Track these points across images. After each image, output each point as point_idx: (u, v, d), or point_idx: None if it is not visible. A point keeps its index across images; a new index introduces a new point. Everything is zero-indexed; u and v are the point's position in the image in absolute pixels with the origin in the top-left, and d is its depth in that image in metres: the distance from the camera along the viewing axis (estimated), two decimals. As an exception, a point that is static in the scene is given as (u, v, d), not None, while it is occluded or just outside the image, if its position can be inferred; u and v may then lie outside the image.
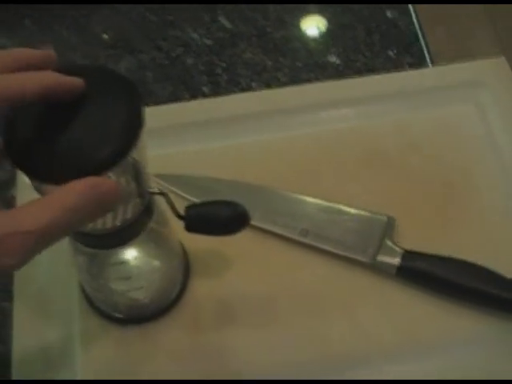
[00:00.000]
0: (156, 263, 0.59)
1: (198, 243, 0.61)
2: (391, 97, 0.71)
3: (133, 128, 0.42)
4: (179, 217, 0.53)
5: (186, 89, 0.74)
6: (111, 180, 0.43)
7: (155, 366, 0.59)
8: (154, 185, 0.51)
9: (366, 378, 0.58)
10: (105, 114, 0.42)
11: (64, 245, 0.61)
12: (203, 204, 0.55)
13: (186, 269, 0.62)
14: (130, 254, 0.55)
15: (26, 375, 0.58)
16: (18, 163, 0.41)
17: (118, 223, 0.50)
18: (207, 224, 0.55)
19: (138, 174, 0.48)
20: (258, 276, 0.62)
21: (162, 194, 0.51)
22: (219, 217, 0.54)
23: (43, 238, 0.38)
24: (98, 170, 0.40)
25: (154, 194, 0.51)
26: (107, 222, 0.50)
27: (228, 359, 0.59)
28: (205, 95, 0.74)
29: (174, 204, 0.53)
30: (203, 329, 0.60)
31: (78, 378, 0.58)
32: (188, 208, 0.54)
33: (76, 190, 0.38)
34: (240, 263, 0.63)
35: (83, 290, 0.61)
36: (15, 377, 0.58)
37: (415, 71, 0.74)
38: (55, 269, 0.63)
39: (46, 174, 0.41)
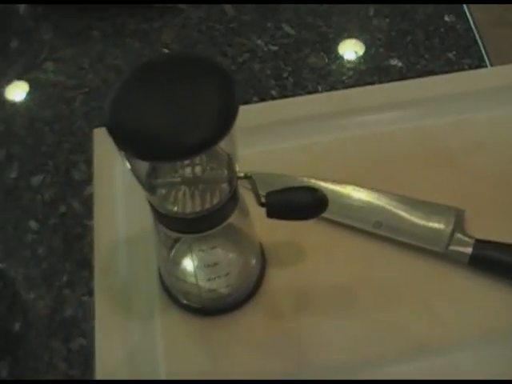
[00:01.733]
0: (238, 252, 0.61)
1: (273, 235, 0.63)
2: (453, 97, 0.73)
3: (226, 115, 0.44)
4: (261, 204, 0.55)
5: (255, 92, 0.76)
6: None
7: (235, 356, 0.60)
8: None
9: (442, 367, 0.58)
10: (200, 101, 0.44)
11: (143, 240, 0.63)
12: (283, 190, 0.57)
13: (262, 260, 0.64)
14: (217, 240, 0.56)
15: (109, 368, 0.60)
16: (119, 143, 0.43)
17: (205, 207, 0.51)
18: (287, 209, 0.56)
19: (229, 160, 0.50)
20: (333, 267, 0.64)
21: (248, 177, 0.53)
22: (299, 202, 0.56)
23: None
24: (189, 153, 0.44)
25: (240, 178, 0.52)
26: (194, 204, 0.52)
27: (306, 349, 0.60)
28: (273, 98, 0.76)
29: (257, 189, 0.54)
30: (281, 319, 0.61)
31: (161, 370, 0.59)
32: (268, 194, 0.56)
33: None
34: (315, 255, 0.64)
35: (163, 283, 0.63)
36: (98, 371, 0.59)
37: (477, 71, 0.76)
38: (134, 263, 0.65)
39: (139, 153, 0.44)
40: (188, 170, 0.52)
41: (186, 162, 0.52)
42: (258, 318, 0.61)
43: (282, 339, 0.61)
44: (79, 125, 0.76)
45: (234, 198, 0.53)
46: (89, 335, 0.62)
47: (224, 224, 0.53)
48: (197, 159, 0.51)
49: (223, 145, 0.48)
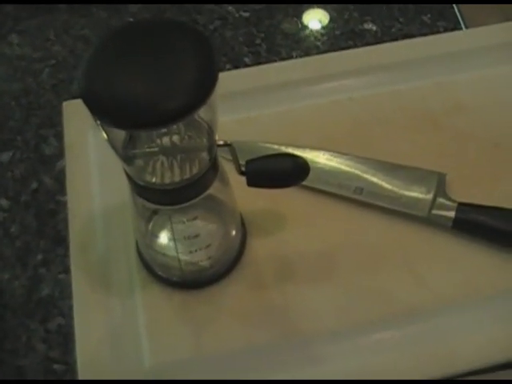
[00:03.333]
0: (218, 223, 0.59)
1: (253, 204, 0.62)
2: (431, 60, 0.72)
3: (205, 82, 0.43)
4: (241, 172, 0.54)
5: (228, 60, 0.75)
6: None
7: (219, 327, 0.59)
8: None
9: (428, 331, 0.58)
10: (177, 67, 0.42)
11: (120, 213, 0.62)
12: (263, 158, 0.55)
13: (243, 230, 0.62)
14: (197, 212, 0.55)
15: (89, 348, 0.58)
16: (95, 112, 0.42)
17: (184, 177, 0.50)
18: (268, 177, 0.55)
19: (208, 128, 0.49)
20: (315, 235, 0.63)
21: (228, 145, 0.51)
22: (280, 169, 0.54)
23: None
24: (168, 121, 0.42)
25: (220, 146, 0.51)
26: (175, 175, 0.50)
27: (291, 317, 0.59)
28: (247, 65, 0.74)
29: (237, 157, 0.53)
30: (264, 289, 0.60)
31: (143, 346, 0.58)
32: (248, 162, 0.54)
33: None
34: (296, 223, 0.63)
35: (142, 257, 0.61)
36: (79, 351, 0.58)
37: (453, 33, 0.75)
38: (112, 238, 0.63)
39: (117, 121, 0.42)
40: (166, 140, 0.50)
41: (164, 130, 0.50)
42: (241, 289, 0.60)
43: (266, 309, 0.60)
44: (47, 98, 0.74)
45: (213, 168, 0.51)
46: (67, 314, 0.60)
47: (204, 194, 0.52)
48: (175, 128, 0.50)
49: (202, 113, 0.47)
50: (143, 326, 0.59)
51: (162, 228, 0.57)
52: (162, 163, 0.51)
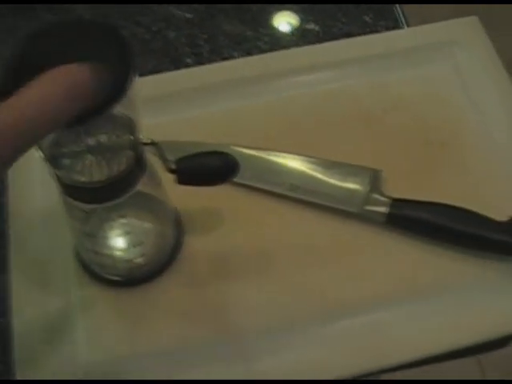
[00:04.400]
0: (151, 220, 0.60)
1: (189, 202, 0.62)
2: (369, 59, 0.73)
3: (119, 81, 0.43)
4: (170, 170, 0.54)
5: (170, 61, 0.75)
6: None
7: (154, 325, 0.59)
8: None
9: (364, 327, 0.59)
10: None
11: (60, 213, 0.62)
12: (193, 156, 0.56)
13: (178, 227, 0.63)
14: (127, 209, 0.55)
15: (27, 348, 0.58)
16: None
17: (112, 175, 0.50)
18: (198, 175, 0.55)
19: (131, 125, 0.49)
20: (251, 232, 0.63)
21: (153, 144, 0.52)
22: (210, 167, 0.55)
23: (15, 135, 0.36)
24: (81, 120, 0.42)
25: (146, 144, 0.51)
26: (101, 173, 0.51)
27: (225, 314, 0.60)
28: (188, 66, 0.75)
29: (165, 155, 0.53)
30: (200, 286, 0.61)
31: (80, 344, 0.58)
32: (178, 161, 0.55)
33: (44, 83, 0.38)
34: (232, 220, 0.64)
35: (79, 256, 0.62)
36: (17, 351, 0.58)
37: (391, 32, 0.76)
38: (51, 237, 0.63)
39: None
40: (92, 138, 0.51)
41: (92, 129, 0.50)
42: (177, 286, 0.61)
43: (201, 306, 0.60)
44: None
45: (139, 165, 0.52)
46: (6, 314, 0.60)
47: (131, 192, 0.52)
48: (100, 126, 0.50)
49: (124, 110, 0.47)
50: (80, 324, 0.59)
51: (93, 226, 0.57)
52: (91, 162, 0.51)
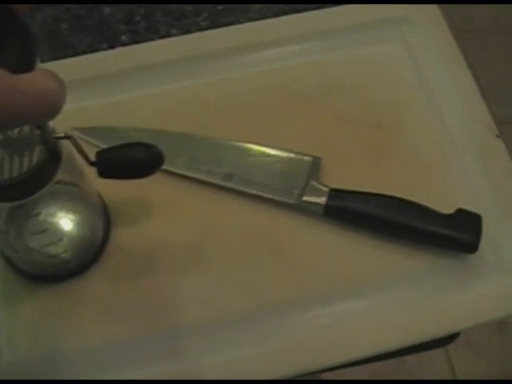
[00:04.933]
0: (73, 215, 0.57)
1: (118, 193, 0.59)
2: (313, 36, 0.70)
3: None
4: (90, 163, 0.51)
5: (105, 39, 0.71)
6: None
7: (81, 322, 0.57)
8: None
9: (301, 323, 0.57)
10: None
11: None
12: (115, 148, 0.53)
13: (106, 219, 0.60)
14: (44, 206, 0.52)
15: None
16: None
17: (23, 171, 0.47)
18: (120, 168, 0.52)
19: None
20: (183, 224, 0.60)
21: (67, 137, 0.48)
22: (132, 159, 0.52)
23: None
24: None
25: (59, 138, 0.48)
26: (12, 170, 0.47)
27: (155, 310, 0.57)
28: (124, 44, 0.71)
29: (82, 148, 0.50)
30: (128, 280, 0.58)
31: (2, 342, 0.56)
32: (99, 153, 0.52)
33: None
34: (164, 212, 0.61)
35: (2, 253, 0.59)
36: None
37: (338, 8, 0.72)
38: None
39: None
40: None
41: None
42: (104, 281, 0.58)
43: (130, 302, 0.58)
44: None
45: (54, 159, 0.48)
46: None
47: (44, 189, 0.49)
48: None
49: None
50: (3, 321, 0.57)
51: (8, 224, 0.54)
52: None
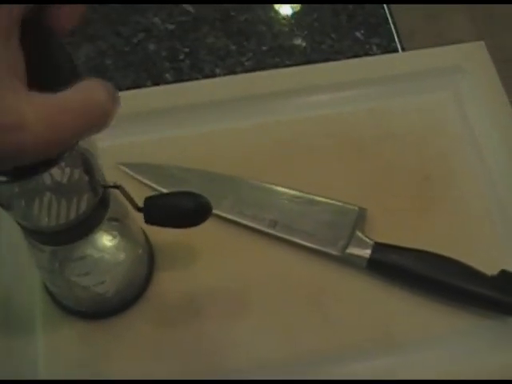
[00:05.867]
0: (118, 256, 0.56)
1: (163, 234, 0.58)
2: (364, 83, 0.69)
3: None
4: (138, 209, 0.51)
5: (149, 76, 0.71)
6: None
7: (120, 360, 0.57)
8: (119, 173, 0.48)
9: (339, 376, 0.55)
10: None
11: (25, 246, 0.59)
12: (163, 195, 0.53)
13: (150, 261, 0.60)
14: (89, 248, 0.52)
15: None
16: None
17: (71, 218, 0.47)
18: (167, 216, 0.52)
19: (89, 167, 0.46)
20: (226, 269, 0.60)
21: (116, 187, 0.48)
22: (180, 208, 0.52)
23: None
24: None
25: (108, 187, 0.48)
26: (60, 216, 0.47)
27: (194, 355, 0.57)
28: (167, 82, 0.71)
29: (131, 195, 0.50)
30: (169, 323, 0.58)
31: (40, 375, 0.56)
32: (147, 200, 0.51)
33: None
34: (207, 255, 0.60)
35: (46, 287, 0.59)
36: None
37: (389, 55, 0.72)
38: (17, 264, 0.60)
39: None
40: (48, 178, 0.47)
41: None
42: (144, 322, 0.58)
43: (169, 344, 0.57)
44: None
45: (102, 206, 0.48)
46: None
47: (91, 235, 0.49)
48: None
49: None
50: (41, 354, 0.57)
51: (52, 264, 0.54)
52: (47, 201, 0.48)
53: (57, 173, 0.44)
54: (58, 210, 0.47)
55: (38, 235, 0.49)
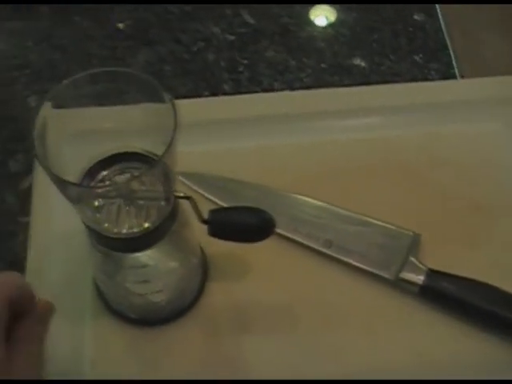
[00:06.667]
0: (174, 265, 0.56)
1: (217, 246, 0.58)
2: (419, 107, 0.69)
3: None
4: (203, 221, 0.51)
5: (207, 85, 0.72)
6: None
7: (167, 369, 0.57)
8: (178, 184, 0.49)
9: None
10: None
11: (80, 241, 0.59)
12: (228, 209, 0.54)
13: (203, 272, 0.60)
14: (150, 256, 0.52)
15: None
16: None
17: (142, 227, 0.48)
18: (231, 230, 0.52)
19: (166, 178, 0.46)
20: (277, 284, 0.60)
21: (187, 198, 0.49)
22: (244, 224, 0.52)
23: None
24: None
25: (179, 198, 0.49)
26: (131, 224, 0.48)
27: (240, 367, 0.57)
28: (225, 93, 0.71)
29: (198, 208, 0.51)
30: (218, 334, 0.58)
31: (87, 368, 0.56)
32: (212, 212, 0.52)
33: None
34: (259, 269, 0.61)
35: (97, 288, 0.59)
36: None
37: (444, 82, 0.72)
38: (69, 264, 0.61)
39: None
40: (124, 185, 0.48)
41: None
42: (194, 332, 0.58)
43: (217, 356, 0.57)
44: (19, 110, 0.70)
45: (171, 218, 0.49)
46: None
47: (158, 244, 0.49)
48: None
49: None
50: (88, 351, 0.57)
51: (113, 268, 0.54)
52: (118, 209, 0.48)
53: (135, 184, 0.45)
54: (130, 218, 0.48)
55: (106, 241, 0.49)
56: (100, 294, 0.59)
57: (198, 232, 0.53)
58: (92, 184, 0.47)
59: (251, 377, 0.57)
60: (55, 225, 0.63)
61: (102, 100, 0.44)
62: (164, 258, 0.55)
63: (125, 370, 0.57)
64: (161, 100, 0.44)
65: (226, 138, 0.67)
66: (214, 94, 0.71)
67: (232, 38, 0.75)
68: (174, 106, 0.43)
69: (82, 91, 0.44)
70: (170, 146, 0.42)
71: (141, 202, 0.48)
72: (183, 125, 0.66)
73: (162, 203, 0.48)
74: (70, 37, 0.76)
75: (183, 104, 0.68)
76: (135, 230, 0.48)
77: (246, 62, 0.73)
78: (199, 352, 0.58)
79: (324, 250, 0.60)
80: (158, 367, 0.57)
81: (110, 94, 0.44)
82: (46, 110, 0.43)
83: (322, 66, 0.73)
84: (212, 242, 0.55)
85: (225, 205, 0.62)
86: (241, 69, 0.73)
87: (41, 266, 0.61)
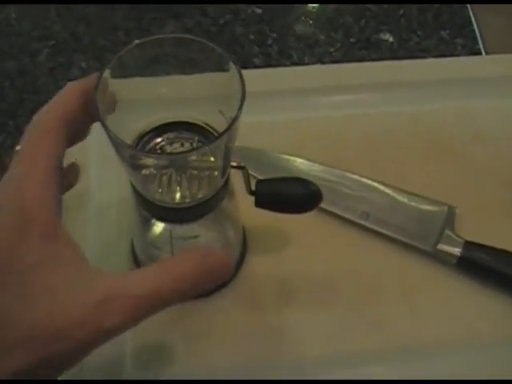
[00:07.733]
0: (217, 236, 0.56)
1: (256, 219, 0.59)
2: (454, 82, 0.69)
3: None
4: (250, 192, 0.51)
5: (237, 59, 0.71)
6: (223, 252, 0.47)
7: (207, 341, 0.57)
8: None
9: (421, 370, 0.56)
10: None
11: (115, 211, 0.59)
12: (275, 180, 0.53)
13: (243, 244, 0.60)
14: (195, 227, 0.52)
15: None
16: None
17: (196, 196, 0.47)
18: (278, 201, 0.52)
19: (227, 150, 0.46)
20: (316, 256, 0.60)
21: (242, 167, 0.49)
22: (292, 194, 0.52)
23: (149, 305, 0.39)
24: None
25: (234, 167, 0.48)
26: (184, 194, 0.48)
27: (282, 339, 0.57)
28: (256, 67, 0.71)
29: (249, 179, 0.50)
30: (258, 307, 0.58)
31: (128, 352, 0.56)
32: (259, 183, 0.52)
33: (188, 260, 0.39)
34: (297, 242, 0.61)
35: (135, 258, 0.59)
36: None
37: (475, 57, 0.73)
38: (105, 234, 0.61)
39: None
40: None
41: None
42: (234, 305, 0.58)
43: (258, 328, 0.57)
44: (44, 82, 0.70)
45: (224, 188, 0.49)
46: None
47: (210, 214, 0.49)
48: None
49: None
50: (127, 335, 0.56)
51: (160, 239, 0.54)
52: (171, 179, 0.48)
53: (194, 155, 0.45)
54: (184, 187, 0.48)
55: (157, 210, 0.48)
56: (138, 263, 0.59)
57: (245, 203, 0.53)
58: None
59: (292, 350, 0.57)
60: (89, 195, 0.63)
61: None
62: (208, 229, 0.54)
63: (167, 342, 0.57)
64: (223, 69, 0.43)
65: (257, 112, 0.66)
66: (245, 68, 0.70)
67: (259, 11, 0.74)
68: (241, 75, 0.42)
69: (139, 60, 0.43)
70: (236, 116, 0.41)
71: (194, 172, 0.48)
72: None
73: (215, 173, 0.48)
74: (92, 8, 0.75)
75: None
76: (187, 200, 0.48)
77: (274, 35, 0.73)
78: (240, 325, 0.57)
79: (362, 222, 0.61)
80: (199, 340, 0.57)
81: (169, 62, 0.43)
82: (105, 77, 0.42)
83: (351, 40, 0.73)
84: (250, 214, 0.55)
85: (260, 177, 0.62)
86: (270, 42, 0.72)
87: (75, 236, 0.60)
